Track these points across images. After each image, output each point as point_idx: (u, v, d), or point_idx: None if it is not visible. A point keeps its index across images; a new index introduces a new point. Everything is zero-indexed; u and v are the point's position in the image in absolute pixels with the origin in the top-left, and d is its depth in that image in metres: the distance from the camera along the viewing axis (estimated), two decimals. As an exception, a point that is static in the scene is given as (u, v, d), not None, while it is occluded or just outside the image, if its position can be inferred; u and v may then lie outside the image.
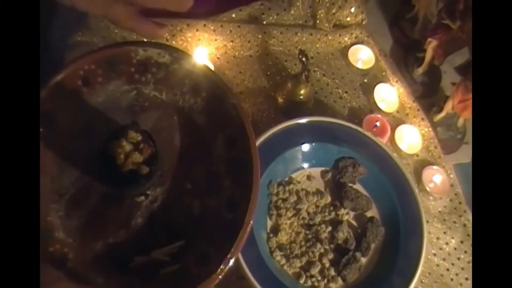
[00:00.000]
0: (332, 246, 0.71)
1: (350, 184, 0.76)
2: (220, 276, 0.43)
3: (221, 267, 0.43)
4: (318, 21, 0.93)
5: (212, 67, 0.81)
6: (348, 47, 0.93)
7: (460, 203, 0.85)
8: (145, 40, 0.50)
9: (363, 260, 0.72)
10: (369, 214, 0.75)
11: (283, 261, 0.69)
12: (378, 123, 0.84)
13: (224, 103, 0.48)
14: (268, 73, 0.88)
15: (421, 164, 0.86)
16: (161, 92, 0.50)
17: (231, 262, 0.43)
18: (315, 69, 0.90)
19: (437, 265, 0.80)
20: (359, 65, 0.92)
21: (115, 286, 0.43)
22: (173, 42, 0.84)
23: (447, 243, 0.82)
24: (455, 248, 0.82)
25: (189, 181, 0.47)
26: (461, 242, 0.82)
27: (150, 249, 0.44)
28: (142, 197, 0.46)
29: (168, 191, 0.47)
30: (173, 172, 0.47)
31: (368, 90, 0.91)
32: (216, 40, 0.86)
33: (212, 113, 0.49)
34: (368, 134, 0.78)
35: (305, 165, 0.76)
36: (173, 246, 0.45)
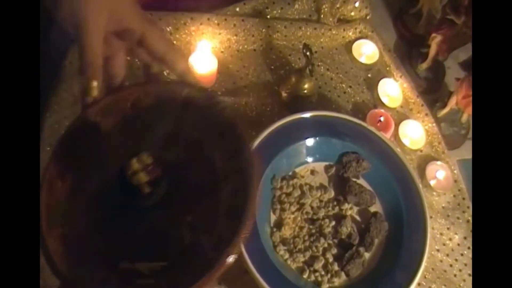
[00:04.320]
0: (335, 241, 0.71)
1: (354, 179, 0.76)
2: None
3: None
4: (322, 16, 0.93)
5: (215, 61, 0.81)
6: (352, 42, 0.93)
7: (463, 199, 0.85)
8: (191, 83, 0.55)
9: (367, 255, 0.71)
10: (372, 209, 0.75)
11: (287, 255, 0.69)
12: (382, 118, 0.84)
13: (240, 156, 0.52)
14: (272, 67, 0.88)
15: (425, 160, 0.86)
16: (193, 131, 0.54)
17: None
18: (319, 63, 0.90)
19: (441, 261, 0.80)
20: (363, 60, 0.92)
21: (97, 277, 0.48)
22: (177, 36, 0.83)
23: (450, 239, 0.81)
24: (458, 244, 0.82)
25: (190, 215, 0.52)
26: (465, 238, 0.82)
27: (137, 259, 0.49)
28: (146, 215, 0.51)
29: (170, 216, 0.52)
30: (180, 201, 0.52)
31: (372, 85, 0.91)
32: (220, 34, 0.86)
33: (229, 162, 0.53)
34: (372, 129, 0.78)
35: (309, 160, 0.76)
36: (156, 264, 0.49)
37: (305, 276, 0.68)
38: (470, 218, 0.83)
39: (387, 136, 0.81)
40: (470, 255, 0.80)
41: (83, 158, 0.51)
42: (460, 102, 0.89)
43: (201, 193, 0.53)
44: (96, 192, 0.51)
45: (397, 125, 0.86)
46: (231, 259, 0.47)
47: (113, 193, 0.51)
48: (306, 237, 0.71)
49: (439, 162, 0.85)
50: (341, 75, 0.90)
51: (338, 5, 0.93)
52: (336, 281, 0.68)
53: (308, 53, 0.77)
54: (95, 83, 0.48)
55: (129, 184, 0.48)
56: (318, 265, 0.69)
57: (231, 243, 0.47)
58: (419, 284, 0.75)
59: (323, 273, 0.69)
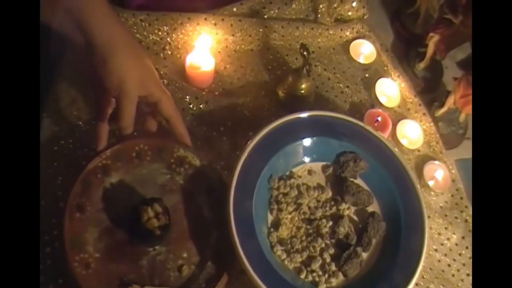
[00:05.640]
0: (333, 241, 0.71)
1: (351, 179, 0.75)
2: None
3: None
4: (319, 16, 0.93)
5: (213, 61, 0.81)
6: (349, 42, 0.93)
7: (461, 198, 0.85)
8: (187, 145, 0.69)
9: (364, 255, 0.71)
10: (370, 209, 0.75)
11: (284, 256, 0.69)
12: (379, 118, 0.84)
13: (223, 208, 0.65)
14: (269, 67, 0.88)
15: (423, 159, 0.86)
16: (186, 184, 0.68)
17: None
18: (316, 63, 0.90)
19: (439, 261, 0.79)
20: (361, 60, 0.92)
21: None
22: (174, 36, 0.83)
23: (448, 239, 0.81)
24: (456, 244, 0.81)
25: (185, 251, 0.65)
26: (463, 238, 0.82)
27: (145, 283, 0.61)
28: (151, 249, 0.64)
29: (170, 252, 0.64)
30: (177, 241, 0.65)
31: (369, 85, 0.90)
32: (217, 34, 0.86)
33: (215, 212, 0.67)
34: (370, 128, 0.78)
35: (306, 160, 0.76)
36: None
37: (302, 276, 0.68)
38: (468, 218, 0.83)
39: (384, 136, 0.81)
40: (468, 255, 0.80)
41: (97, 195, 0.64)
42: (458, 101, 0.89)
43: (192, 233, 0.66)
44: (107, 226, 0.63)
45: (394, 125, 0.86)
46: None
47: (125, 227, 0.63)
48: (304, 237, 0.70)
49: (437, 162, 0.85)
50: (338, 75, 0.90)
51: (335, 5, 0.93)
52: (334, 281, 0.68)
53: (305, 53, 0.77)
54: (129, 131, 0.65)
55: (145, 227, 0.61)
56: (316, 265, 0.68)
57: (218, 281, 0.62)
58: (417, 284, 0.74)
59: (320, 273, 0.68)
